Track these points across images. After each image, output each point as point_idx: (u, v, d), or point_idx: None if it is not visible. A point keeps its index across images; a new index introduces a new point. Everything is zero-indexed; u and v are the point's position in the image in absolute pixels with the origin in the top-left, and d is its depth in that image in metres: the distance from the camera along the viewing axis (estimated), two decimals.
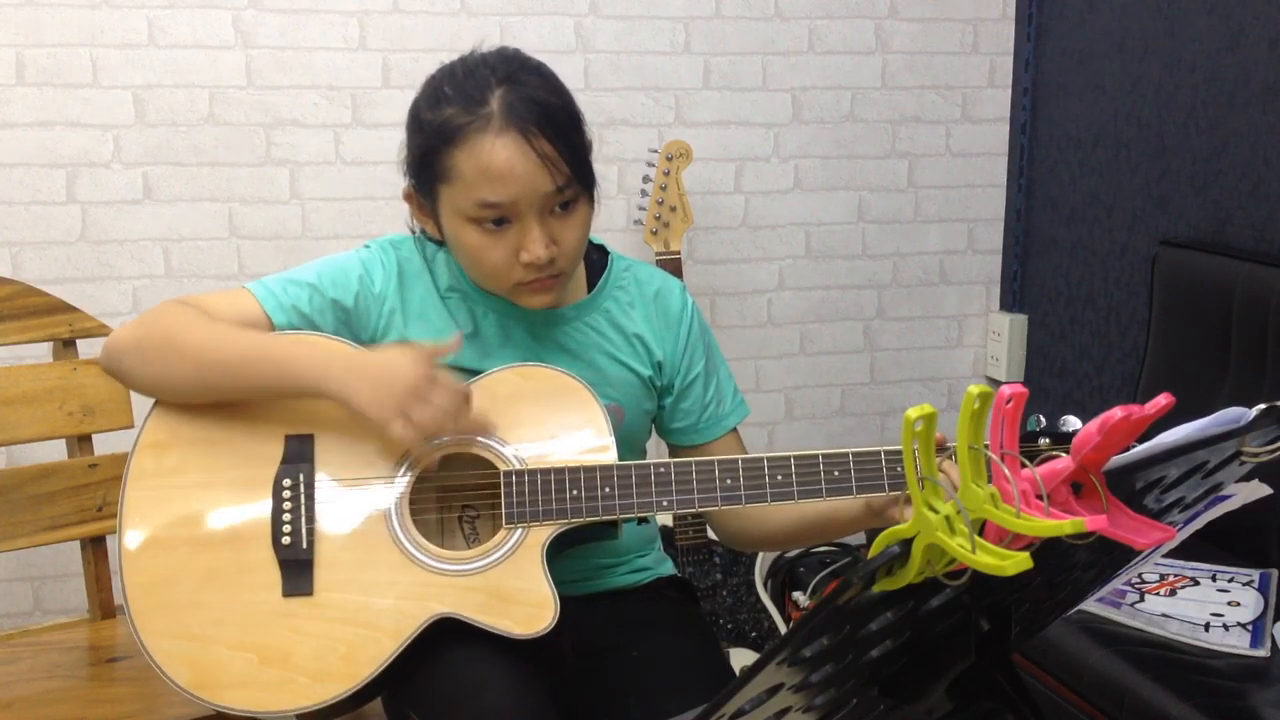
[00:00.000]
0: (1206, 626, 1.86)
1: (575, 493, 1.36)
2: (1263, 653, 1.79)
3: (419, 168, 1.41)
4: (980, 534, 0.78)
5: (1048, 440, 1.29)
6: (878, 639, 0.86)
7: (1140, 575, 2.03)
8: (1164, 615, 1.90)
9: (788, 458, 1.36)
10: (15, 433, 1.82)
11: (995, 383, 2.89)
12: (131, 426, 1.82)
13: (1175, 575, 2.04)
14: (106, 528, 1.86)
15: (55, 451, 1.88)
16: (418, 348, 1.34)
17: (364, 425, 1.37)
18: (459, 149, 1.35)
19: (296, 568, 1.34)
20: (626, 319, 1.53)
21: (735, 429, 1.59)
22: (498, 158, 1.33)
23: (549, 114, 1.35)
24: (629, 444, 1.50)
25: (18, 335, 1.83)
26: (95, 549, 1.88)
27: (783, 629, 2.44)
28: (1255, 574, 2.02)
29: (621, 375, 1.51)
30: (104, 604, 1.88)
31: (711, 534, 2.32)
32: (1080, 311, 2.71)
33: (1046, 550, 0.82)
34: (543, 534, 1.35)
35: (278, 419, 1.38)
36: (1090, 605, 1.88)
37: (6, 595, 2.40)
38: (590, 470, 1.36)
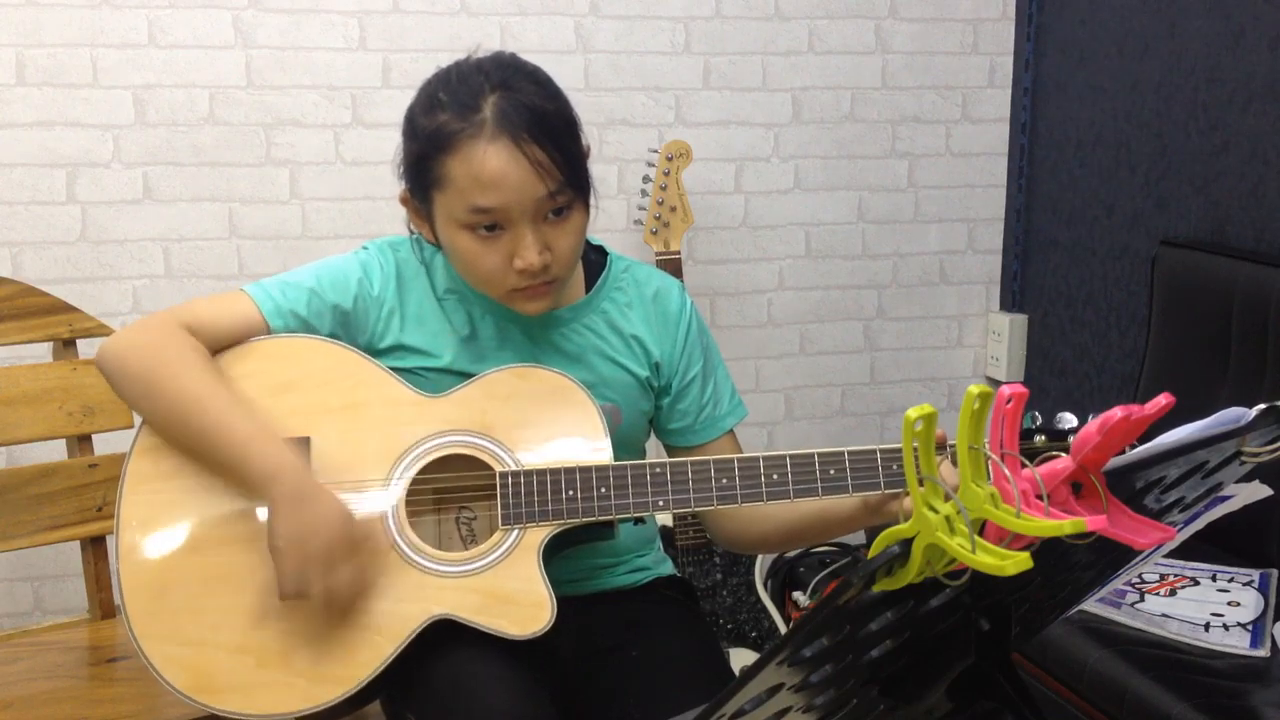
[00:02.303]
0: (1206, 626, 1.86)
1: (571, 493, 1.36)
2: (1263, 653, 1.79)
3: (414, 173, 1.41)
4: (980, 534, 0.78)
5: (1044, 437, 1.29)
6: (878, 639, 0.86)
7: (1140, 575, 2.03)
8: (1164, 615, 1.90)
9: (783, 457, 1.36)
10: (15, 433, 1.82)
11: (995, 383, 2.89)
12: (131, 426, 1.82)
13: (1175, 575, 2.04)
14: (106, 528, 1.85)
15: (55, 451, 1.88)
16: (357, 523, 1.32)
17: (361, 427, 1.37)
18: (452, 155, 1.34)
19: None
20: (624, 320, 1.53)
21: (732, 430, 1.58)
22: (490, 164, 1.33)
23: (542, 120, 1.35)
24: (626, 445, 1.49)
25: (18, 335, 1.83)
26: (95, 549, 1.88)
27: (783, 629, 2.44)
28: (1255, 574, 2.02)
29: (618, 376, 1.51)
30: (104, 604, 1.88)
31: None
32: (1080, 311, 2.71)
33: (1046, 550, 0.82)
34: (539, 535, 1.35)
35: (273, 423, 1.38)
36: (1090, 605, 1.88)
37: (6, 595, 2.40)
38: (586, 471, 1.36)
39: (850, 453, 1.35)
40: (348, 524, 1.31)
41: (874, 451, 1.34)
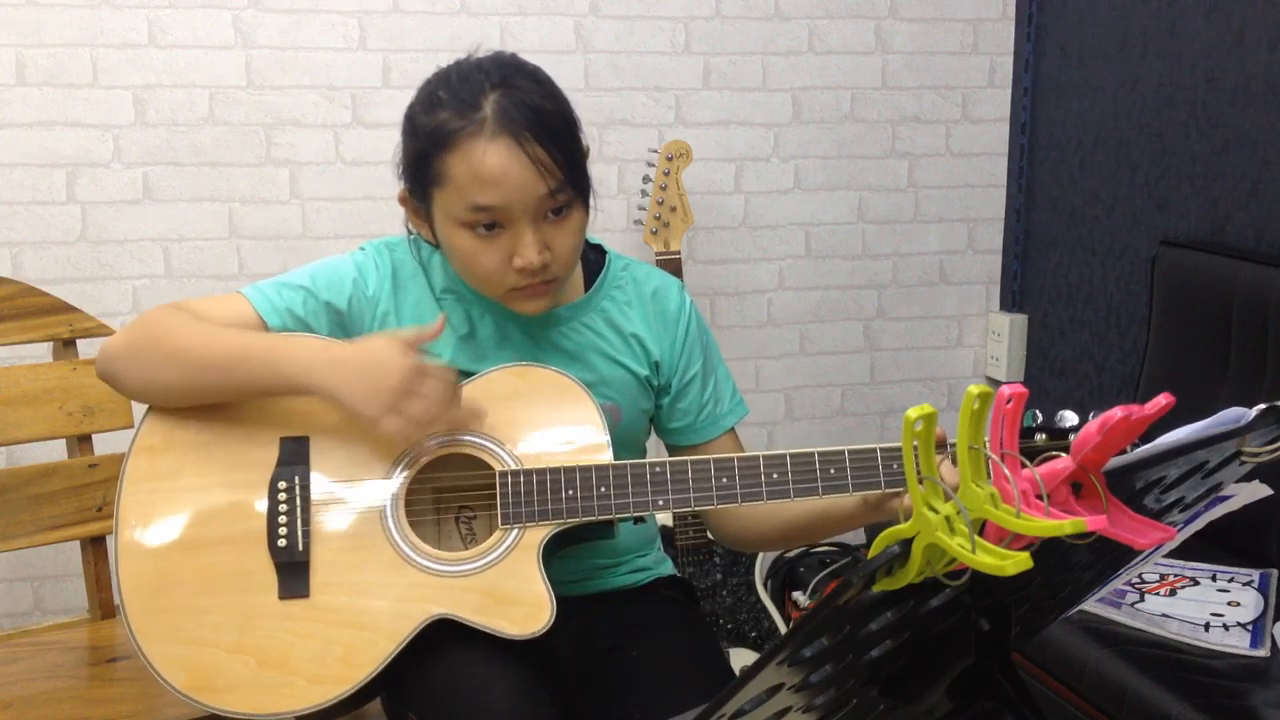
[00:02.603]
0: (1206, 626, 1.86)
1: (571, 493, 1.36)
2: (1263, 653, 1.79)
3: (413, 172, 1.41)
4: (980, 534, 0.78)
5: (1044, 436, 1.29)
6: (878, 639, 0.86)
7: (1140, 575, 2.03)
8: (1164, 615, 1.90)
9: (783, 456, 1.36)
10: (15, 433, 1.82)
11: (995, 383, 2.89)
12: (131, 426, 1.82)
13: (1175, 575, 2.04)
14: (106, 528, 1.85)
15: (55, 451, 1.88)
16: (402, 337, 1.33)
17: (359, 426, 1.37)
18: (452, 153, 1.34)
19: (293, 570, 1.34)
20: (624, 319, 1.53)
21: (733, 429, 1.58)
22: (489, 162, 1.33)
23: (542, 119, 1.35)
24: (627, 444, 1.49)
25: (18, 335, 1.83)
26: (95, 549, 1.88)
27: (783, 629, 2.44)
28: (1255, 574, 2.02)
29: (618, 375, 1.51)
30: (104, 604, 1.88)
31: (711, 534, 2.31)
32: (1080, 311, 2.71)
33: (1046, 550, 0.82)
34: (539, 534, 1.35)
35: (273, 421, 1.38)
36: (1090, 605, 1.88)
37: (6, 595, 2.40)
38: (586, 470, 1.36)
39: (851, 452, 1.35)
40: (403, 353, 1.30)
41: (874, 450, 1.34)
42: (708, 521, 1.61)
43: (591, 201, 1.44)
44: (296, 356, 1.34)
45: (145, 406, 1.41)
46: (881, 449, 1.34)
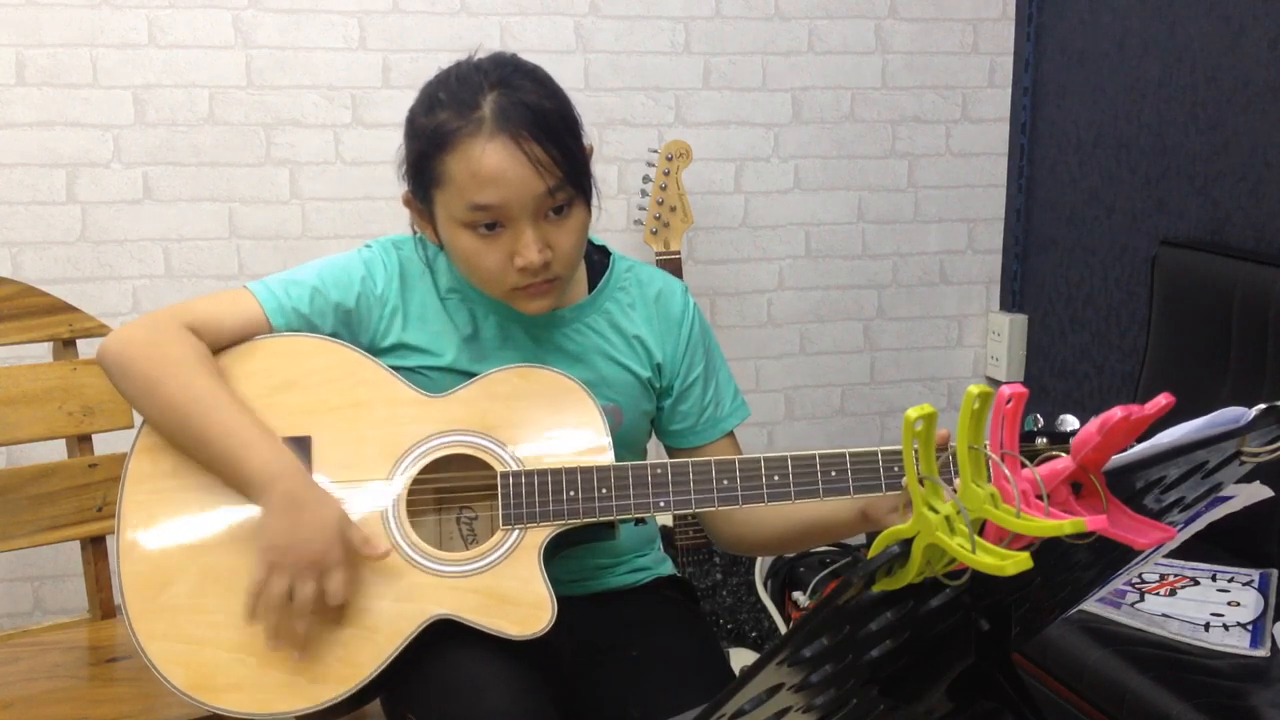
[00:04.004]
0: (1206, 626, 1.86)
1: (572, 494, 1.36)
2: (1263, 653, 1.79)
3: (414, 173, 1.41)
4: (980, 534, 0.78)
5: (1045, 440, 1.29)
6: (878, 639, 0.86)
7: (1140, 575, 2.03)
8: (1164, 615, 1.90)
9: (784, 458, 1.36)
10: (15, 433, 1.82)
11: (995, 383, 2.89)
12: (131, 426, 1.82)
13: (1175, 575, 2.04)
14: (106, 528, 1.85)
15: (55, 451, 1.88)
16: (353, 532, 1.32)
17: (362, 426, 1.37)
18: (451, 154, 1.34)
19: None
20: (627, 320, 1.53)
21: (732, 432, 1.58)
22: (488, 161, 1.33)
23: (542, 118, 1.35)
24: (628, 445, 1.49)
25: (18, 335, 1.83)
26: (95, 549, 1.88)
27: (783, 629, 2.44)
28: (1255, 574, 2.02)
29: (620, 376, 1.51)
30: (104, 604, 1.88)
31: None
32: (1080, 311, 2.71)
33: (1046, 550, 0.82)
34: (540, 535, 1.35)
35: (274, 422, 1.38)
36: (1090, 605, 1.88)
37: (6, 595, 2.40)
38: (587, 471, 1.36)
39: (852, 454, 1.35)
40: (342, 531, 1.30)
41: (875, 453, 1.34)
42: (706, 525, 1.61)
43: (594, 201, 1.44)
44: (263, 472, 1.31)
45: None
46: (883, 451, 1.34)
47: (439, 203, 1.39)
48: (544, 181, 1.35)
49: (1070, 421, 1.29)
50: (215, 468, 1.35)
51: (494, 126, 1.33)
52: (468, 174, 1.34)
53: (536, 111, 1.35)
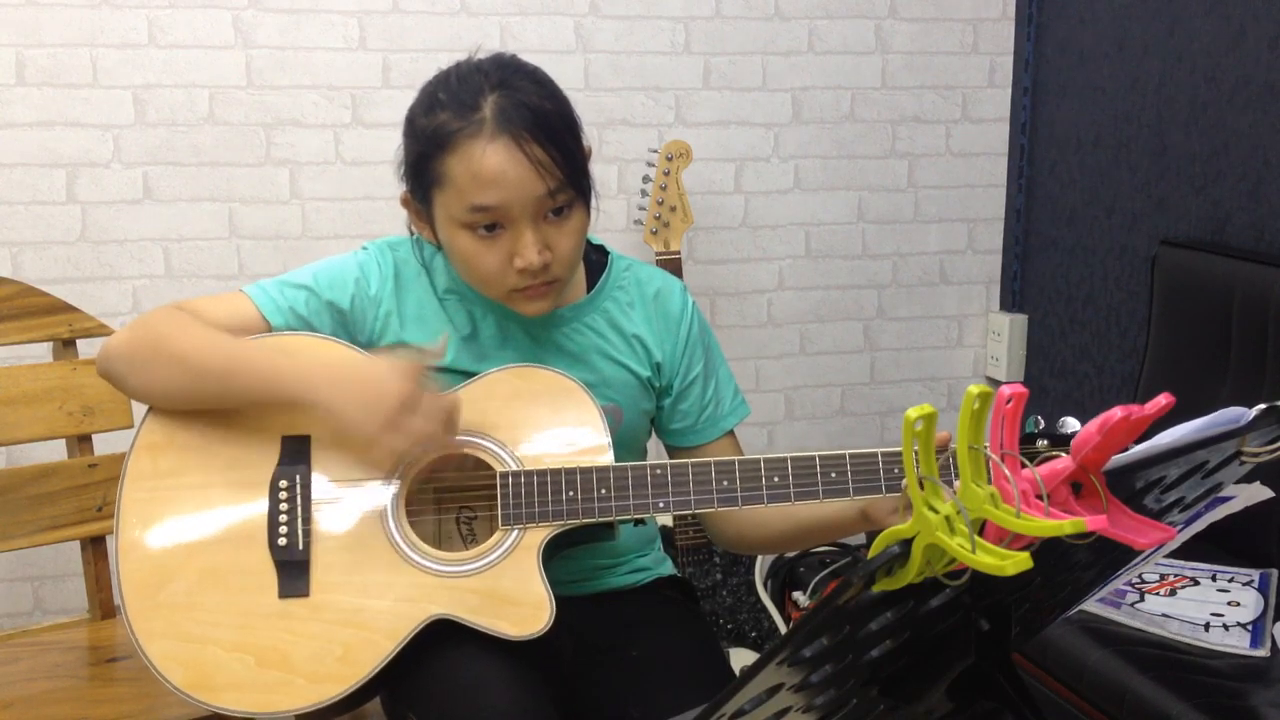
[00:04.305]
0: (1206, 626, 1.86)
1: (572, 494, 1.36)
2: (1263, 653, 1.79)
3: (414, 173, 1.41)
4: (980, 534, 0.78)
5: (1046, 442, 1.28)
6: (878, 639, 0.86)
7: (1140, 575, 2.03)
8: (1164, 615, 1.90)
9: (784, 459, 1.36)
10: (15, 433, 1.82)
11: (995, 383, 2.89)
12: (131, 426, 1.82)
13: (1175, 575, 2.04)
14: (106, 528, 1.85)
15: (55, 451, 1.88)
16: (406, 358, 1.33)
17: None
18: (451, 154, 1.34)
19: (293, 569, 1.34)
20: (626, 319, 1.53)
21: (733, 431, 1.58)
22: (489, 162, 1.33)
23: (542, 119, 1.35)
24: (627, 445, 1.49)
25: (18, 335, 1.83)
26: (95, 549, 1.88)
27: (783, 629, 2.44)
28: (1255, 574, 2.02)
29: (620, 376, 1.51)
30: (104, 604, 1.88)
31: None
32: (1080, 311, 2.71)
33: (1046, 550, 0.82)
34: (539, 535, 1.35)
35: (274, 420, 1.38)
36: (1090, 605, 1.88)
37: (6, 595, 2.40)
38: (587, 471, 1.36)
39: (852, 455, 1.35)
40: (405, 375, 1.30)
41: (875, 454, 1.34)
42: (705, 524, 1.61)
43: (593, 202, 1.43)
44: (297, 369, 1.34)
45: (146, 406, 1.41)
46: (883, 453, 1.34)
47: (438, 203, 1.39)
48: (544, 183, 1.35)
49: (1071, 424, 1.29)
50: (245, 397, 1.36)
51: (495, 128, 1.33)
52: (468, 175, 1.34)
53: (537, 113, 1.35)
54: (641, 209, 2.47)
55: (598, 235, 1.57)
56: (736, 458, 1.38)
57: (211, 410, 1.39)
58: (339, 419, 1.31)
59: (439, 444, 1.33)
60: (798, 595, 2.60)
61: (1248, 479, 1.03)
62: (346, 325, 1.45)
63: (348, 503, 1.36)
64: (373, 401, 1.29)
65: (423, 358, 1.35)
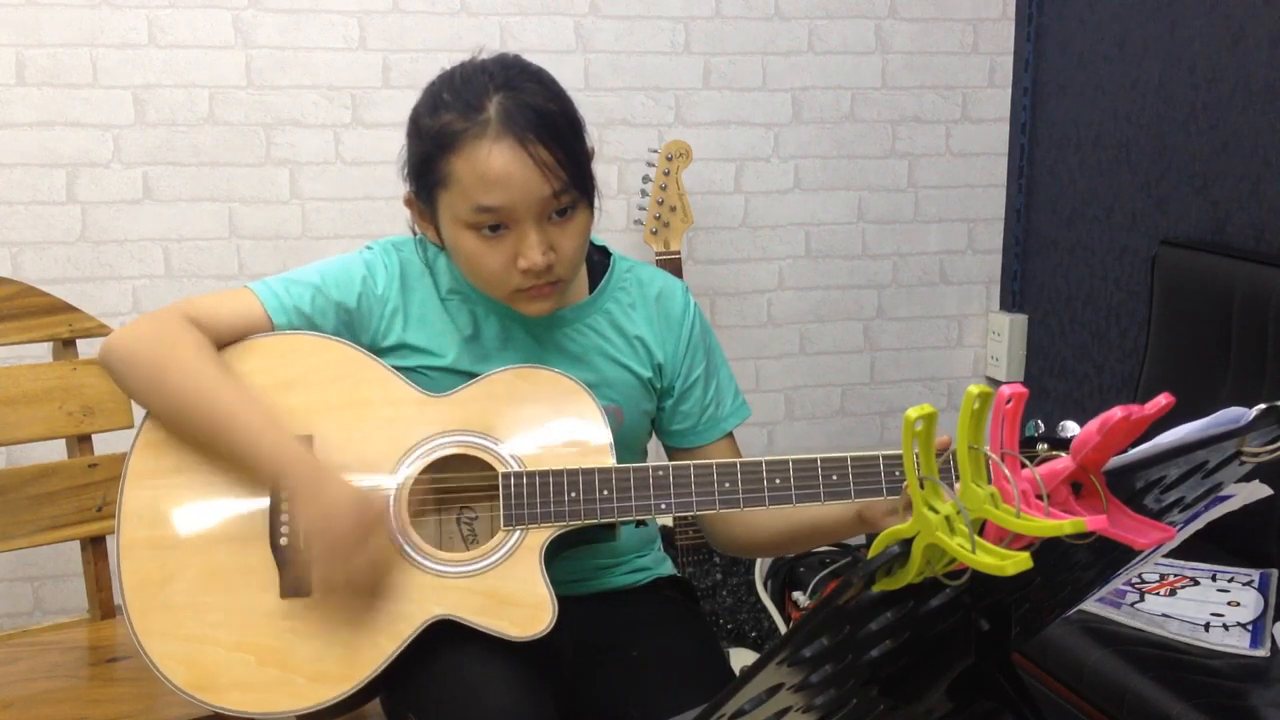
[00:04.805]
0: (1206, 626, 1.86)
1: (574, 495, 1.36)
2: (1263, 653, 1.79)
3: (418, 174, 1.41)
4: (980, 534, 0.78)
5: (1046, 445, 1.28)
6: (878, 639, 0.86)
7: (1140, 575, 2.03)
8: (1164, 615, 1.90)
9: (786, 461, 1.36)
10: (15, 433, 1.82)
11: (995, 383, 2.89)
12: (131, 426, 1.82)
13: (1175, 575, 2.04)
14: (106, 528, 1.85)
15: (55, 451, 1.88)
16: (373, 503, 1.33)
17: (364, 424, 1.37)
18: (456, 155, 1.34)
19: (295, 569, 1.34)
20: (627, 320, 1.53)
21: (732, 432, 1.58)
22: (494, 163, 1.33)
23: (546, 120, 1.35)
24: (628, 445, 1.49)
25: (18, 335, 1.83)
26: (95, 549, 1.88)
27: (783, 629, 2.44)
28: (1255, 574, 2.02)
29: (621, 377, 1.51)
30: (104, 604, 1.88)
31: None
32: (1080, 311, 2.71)
33: (1046, 550, 0.82)
34: (541, 536, 1.35)
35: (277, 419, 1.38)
36: (1090, 605, 1.88)
37: (6, 595, 2.40)
38: (589, 473, 1.36)
39: (853, 458, 1.35)
40: (362, 506, 1.31)
41: (876, 457, 1.34)
42: (703, 526, 1.61)
43: (596, 202, 1.44)
44: (275, 454, 1.33)
45: None
46: (884, 456, 1.34)
47: (443, 203, 1.39)
48: (549, 184, 1.35)
49: (1071, 427, 1.29)
50: (225, 458, 1.36)
51: (500, 128, 1.33)
52: (473, 175, 1.34)
53: (542, 114, 1.35)
54: (641, 209, 2.47)
55: (598, 235, 1.57)
56: (738, 459, 1.38)
57: None
58: (292, 512, 1.33)
59: (350, 593, 1.32)
60: (798, 595, 2.60)
61: (1247, 478, 1.03)
62: (352, 324, 1.45)
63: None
64: (325, 522, 1.29)
65: (383, 521, 1.34)
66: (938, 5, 2.75)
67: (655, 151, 2.46)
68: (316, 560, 1.30)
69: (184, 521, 1.36)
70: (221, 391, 1.35)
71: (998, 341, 2.91)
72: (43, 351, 1.94)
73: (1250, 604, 1.93)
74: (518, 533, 1.35)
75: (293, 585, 1.34)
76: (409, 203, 1.46)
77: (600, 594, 1.54)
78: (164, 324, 1.39)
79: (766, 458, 1.37)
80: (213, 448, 1.36)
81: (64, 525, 1.84)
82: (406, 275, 1.48)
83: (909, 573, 0.79)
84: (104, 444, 1.86)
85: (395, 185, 1.47)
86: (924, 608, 0.85)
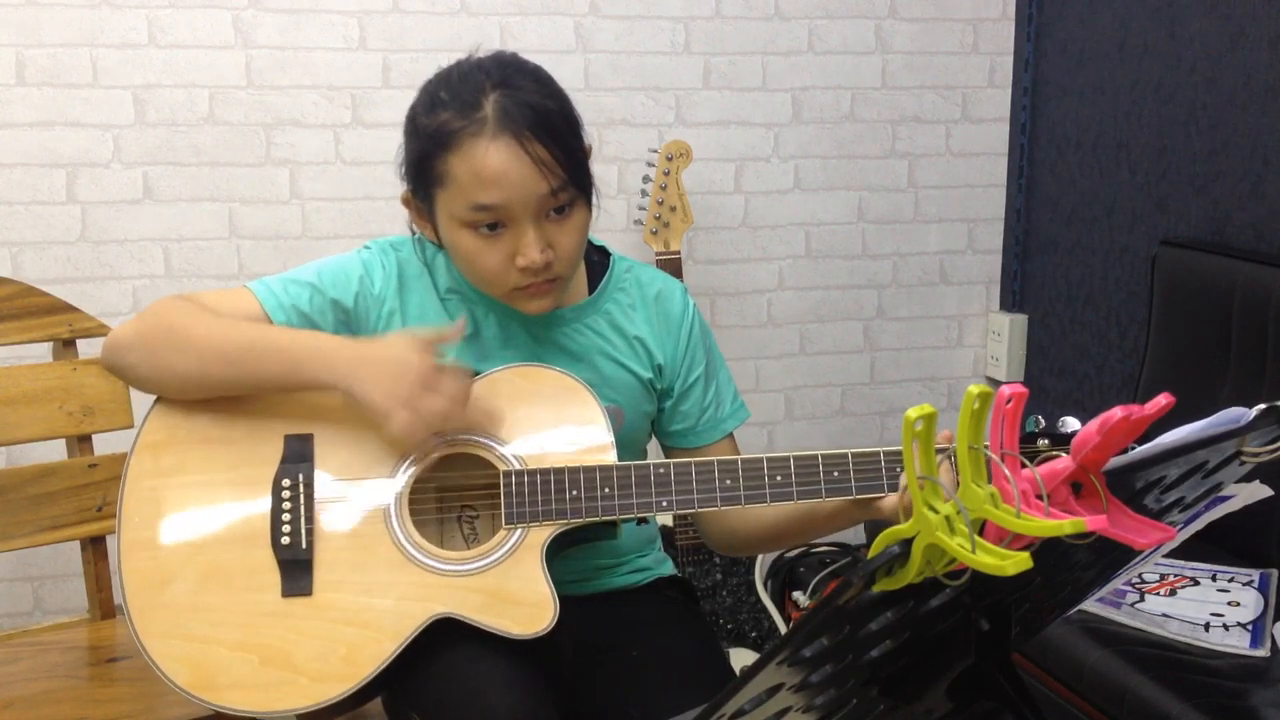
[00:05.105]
0: (1206, 626, 1.86)
1: (575, 493, 1.36)
2: (1263, 653, 1.79)
3: (415, 173, 1.41)
4: (980, 534, 0.78)
5: (1046, 441, 1.29)
6: (878, 639, 0.86)
7: (1140, 575, 2.03)
8: (1164, 615, 1.90)
9: (787, 458, 1.36)
10: (15, 433, 1.82)
11: (995, 383, 2.89)
12: (131, 426, 1.82)
13: (1175, 575, 2.04)
14: (106, 528, 1.86)
15: (55, 451, 1.88)
16: (420, 337, 1.34)
17: (364, 423, 1.37)
18: (453, 154, 1.35)
19: (296, 568, 1.34)
20: (627, 321, 1.53)
21: (731, 433, 1.58)
22: (491, 162, 1.33)
23: (543, 118, 1.35)
24: (628, 446, 1.49)
25: (18, 335, 1.83)
26: (95, 549, 1.88)
27: (783, 629, 2.44)
28: (1255, 574, 2.02)
29: (621, 377, 1.51)
30: (104, 604, 1.88)
31: None
32: (1080, 311, 2.71)
33: (1046, 550, 0.82)
34: (542, 534, 1.35)
35: (277, 418, 1.38)
36: (1090, 605, 1.88)
37: (6, 595, 2.40)
38: (590, 471, 1.36)
39: (854, 454, 1.35)
40: (422, 352, 1.31)
41: (877, 454, 1.34)
42: (698, 521, 1.61)
43: (595, 201, 1.44)
44: (315, 350, 1.34)
45: (147, 405, 1.41)
46: (885, 452, 1.34)
47: (440, 202, 1.39)
48: (546, 182, 1.35)
49: (1071, 423, 1.29)
50: (268, 381, 1.36)
51: (497, 127, 1.33)
52: (470, 174, 1.34)
53: (539, 111, 1.35)
54: (641, 209, 2.47)
55: (598, 235, 1.57)
56: (739, 457, 1.38)
57: (214, 408, 1.39)
58: (360, 398, 1.32)
59: (455, 421, 1.33)
60: (798, 595, 2.60)
61: (1247, 478, 1.03)
62: (349, 324, 1.45)
63: (351, 501, 1.36)
64: (392, 379, 1.30)
65: (439, 334, 1.35)
66: (938, 5, 2.75)
67: (655, 151, 2.46)
68: (402, 414, 1.29)
69: (185, 521, 1.36)
70: (240, 327, 1.37)
71: (998, 341, 2.91)
72: (43, 351, 1.94)
73: (1250, 604, 1.93)
74: (519, 531, 1.35)
75: (295, 584, 1.34)
76: (406, 202, 1.46)
77: (601, 594, 1.54)
78: (163, 306, 1.40)
79: (767, 454, 1.37)
80: (251, 380, 1.36)
81: (64, 525, 1.84)
82: (404, 275, 1.48)
83: (909, 573, 0.79)
84: (104, 444, 1.86)
85: (395, 185, 1.47)
86: (924, 608, 0.86)
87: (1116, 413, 0.80)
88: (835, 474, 1.35)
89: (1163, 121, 2.43)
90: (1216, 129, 2.30)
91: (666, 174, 2.44)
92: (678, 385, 1.54)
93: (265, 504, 1.36)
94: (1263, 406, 0.94)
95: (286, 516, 1.35)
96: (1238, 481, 1.03)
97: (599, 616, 1.50)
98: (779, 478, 1.35)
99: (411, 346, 1.32)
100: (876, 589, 0.80)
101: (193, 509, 1.36)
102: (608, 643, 1.49)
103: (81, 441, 1.86)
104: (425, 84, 1.42)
